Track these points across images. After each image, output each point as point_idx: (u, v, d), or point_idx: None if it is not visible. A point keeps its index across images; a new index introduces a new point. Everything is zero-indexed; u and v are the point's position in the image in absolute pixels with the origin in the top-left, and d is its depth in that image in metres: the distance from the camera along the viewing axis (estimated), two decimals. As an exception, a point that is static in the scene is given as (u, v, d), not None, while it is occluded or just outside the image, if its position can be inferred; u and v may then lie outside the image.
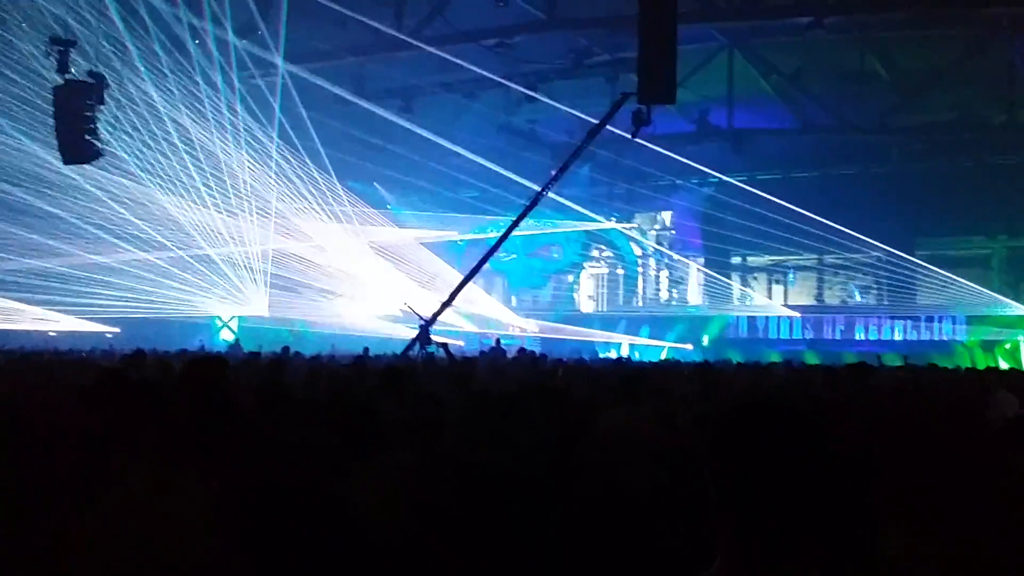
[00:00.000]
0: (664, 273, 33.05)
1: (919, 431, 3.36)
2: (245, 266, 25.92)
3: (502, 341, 22.38)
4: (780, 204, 24.09)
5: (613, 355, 25.53)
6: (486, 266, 18.38)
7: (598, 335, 29.69)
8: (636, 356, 26.28)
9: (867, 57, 20.84)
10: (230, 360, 7.80)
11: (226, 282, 25.61)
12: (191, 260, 24.57)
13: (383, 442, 3.60)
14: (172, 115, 20.00)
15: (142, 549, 2.54)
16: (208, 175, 21.75)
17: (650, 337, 29.87)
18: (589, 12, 18.65)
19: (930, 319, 27.08)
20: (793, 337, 28.72)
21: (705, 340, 29.48)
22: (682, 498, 2.87)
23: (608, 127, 16.21)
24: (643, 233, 32.71)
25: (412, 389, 5.69)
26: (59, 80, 15.47)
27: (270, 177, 22.72)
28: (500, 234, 17.54)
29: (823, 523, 1.71)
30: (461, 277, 17.67)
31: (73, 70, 15.48)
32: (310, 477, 3.24)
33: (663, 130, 18.96)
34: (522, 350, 19.61)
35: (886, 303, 28.09)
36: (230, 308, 27.69)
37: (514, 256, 31.41)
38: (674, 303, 32.34)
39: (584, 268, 33.62)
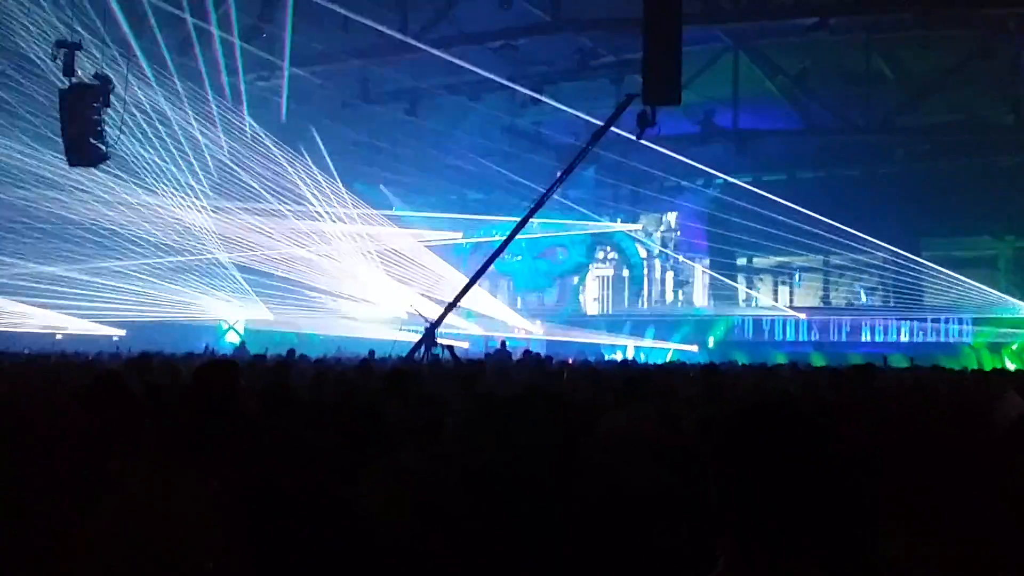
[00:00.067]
0: (669, 275, 33.04)
1: (923, 432, 3.36)
2: (250, 269, 25.99)
3: (507, 343, 22.40)
4: (785, 205, 24.07)
5: (618, 357, 25.52)
6: (491, 268, 18.38)
7: (603, 337, 29.69)
8: (642, 358, 26.27)
9: (872, 58, 20.78)
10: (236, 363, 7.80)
11: (231, 285, 25.67)
12: (197, 263, 24.64)
13: (388, 444, 3.60)
14: (177, 118, 20.04)
15: (143, 549, 2.55)
16: (213, 178, 21.79)
17: (656, 339, 29.86)
18: (594, 14, 18.63)
19: (936, 320, 27.03)
20: (799, 339, 28.69)
21: (711, 342, 29.47)
22: (685, 499, 2.87)
23: (613, 129, 16.21)
24: (648, 235, 32.70)
25: (417, 392, 5.69)
26: (65, 83, 15.52)
27: (275, 180, 22.75)
28: (505, 236, 17.54)
29: (825, 524, 1.71)
30: (466, 279, 17.68)
31: (79, 73, 15.52)
32: (315, 478, 3.24)
33: (668, 131, 18.84)
34: (527, 352, 19.61)
35: (892, 304, 28.05)
36: (235, 311, 27.75)
37: (519, 258, 31.43)
38: (680, 305, 32.31)
39: (589, 270, 33.62)
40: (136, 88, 18.10)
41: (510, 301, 33.10)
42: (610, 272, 33.58)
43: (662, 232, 32.99)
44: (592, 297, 33.94)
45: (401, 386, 5.85)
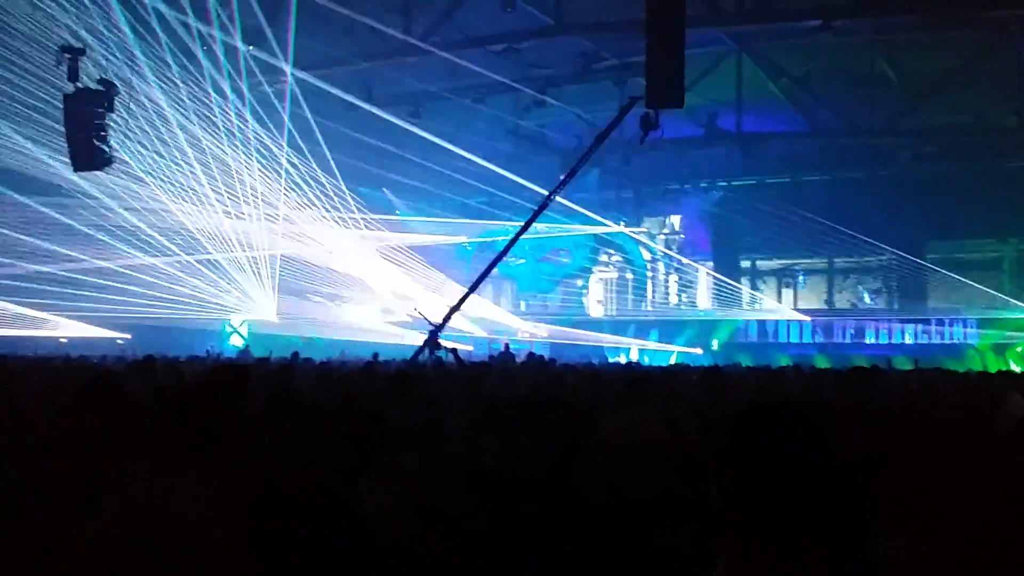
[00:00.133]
0: (673, 277, 33.01)
1: (925, 434, 3.37)
2: (255, 271, 26.01)
3: (511, 346, 22.39)
4: (789, 208, 24.07)
5: (622, 359, 25.52)
6: (495, 271, 18.38)
7: (607, 339, 29.67)
8: (646, 360, 26.26)
9: (876, 60, 20.80)
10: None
11: (236, 287, 25.69)
12: (201, 266, 24.66)
13: (390, 446, 3.61)
14: (181, 121, 20.08)
15: (142, 550, 2.56)
16: (218, 181, 21.82)
17: (659, 341, 29.84)
18: (597, 16, 18.65)
19: (941, 322, 26.99)
20: (803, 341, 28.66)
21: (715, 344, 29.44)
22: (686, 500, 2.87)
23: (617, 131, 16.22)
24: (652, 237, 32.68)
25: (419, 394, 5.70)
26: (69, 88, 15.57)
27: (279, 183, 22.78)
28: (509, 239, 17.54)
29: (825, 525, 1.71)
30: (470, 282, 17.68)
31: (84, 77, 15.58)
32: (317, 480, 3.25)
33: (672, 134, 18.90)
34: (531, 355, 19.61)
35: (896, 306, 28.03)
36: (240, 313, 27.78)
37: (523, 261, 31.42)
38: (683, 307, 32.29)
39: (593, 272, 33.59)
40: (140, 91, 18.15)
41: (514, 304, 33.10)
42: (614, 275, 33.56)
43: (666, 235, 32.98)
44: (596, 300, 33.93)
45: (404, 388, 5.86)
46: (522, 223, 16.84)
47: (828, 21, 17.46)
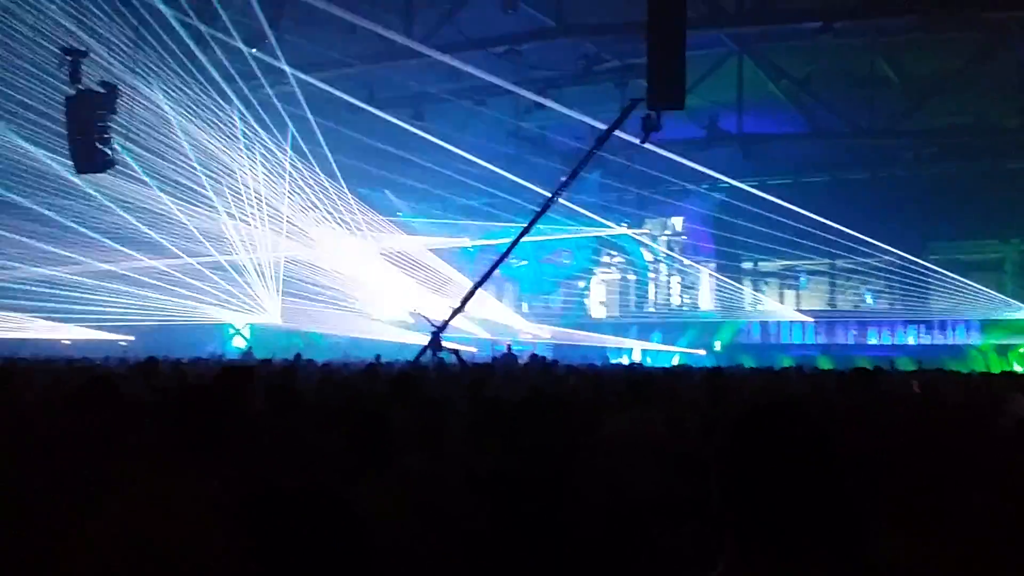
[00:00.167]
0: (675, 278, 33.02)
1: (927, 435, 3.37)
2: (257, 273, 26.02)
3: (513, 347, 22.40)
4: (791, 209, 24.06)
5: (625, 361, 25.52)
6: (497, 272, 18.38)
7: (609, 341, 29.67)
8: (648, 362, 26.26)
9: (877, 61, 20.77)
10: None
11: (238, 289, 25.70)
12: (203, 268, 24.68)
13: (392, 448, 3.61)
14: (183, 124, 20.09)
15: (142, 550, 2.56)
16: (220, 183, 21.84)
17: (662, 343, 29.85)
18: (598, 18, 18.64)
19: (943, 323, 26.98)
20: (806, 342, 28.66)
21: (717, 345, 29.44)
22: (687, 501, 2.88)
23: (618, 133, 16.21)
24: (654, 239, 32.70)
25: (422, 395, 5.70)
26: (71, 90, 15.60)
27: (281, 185, 22.79)
28: (511, 240, 17.54)
29: (828, 526, 1.72)
30: (472, 283, 17.68)
31: (85, 80, 15.61)
32: (319, 481, 3.26)
33: (673, 135, 18.92)
34: (534, 356, 19.62)
35: (899, 307, 28.01)
36: (242, 315, 27.80)
37: (525, 262, 31.42)
38: (686, 308, 32.29)
39: (595, 274, 33.61)
40: (142, 93, 18.16)
41: (516, 305, 33.10)
42: (616, 276, 33.57)
43: (668, 236, 32.98)
44: (598, 301, 33.93)
45: (406, 390, 5.86)
46: (524, 225, 16.83)
47: (829, 22, 17.45)
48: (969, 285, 25.36)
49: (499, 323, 29.92)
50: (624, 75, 19.85)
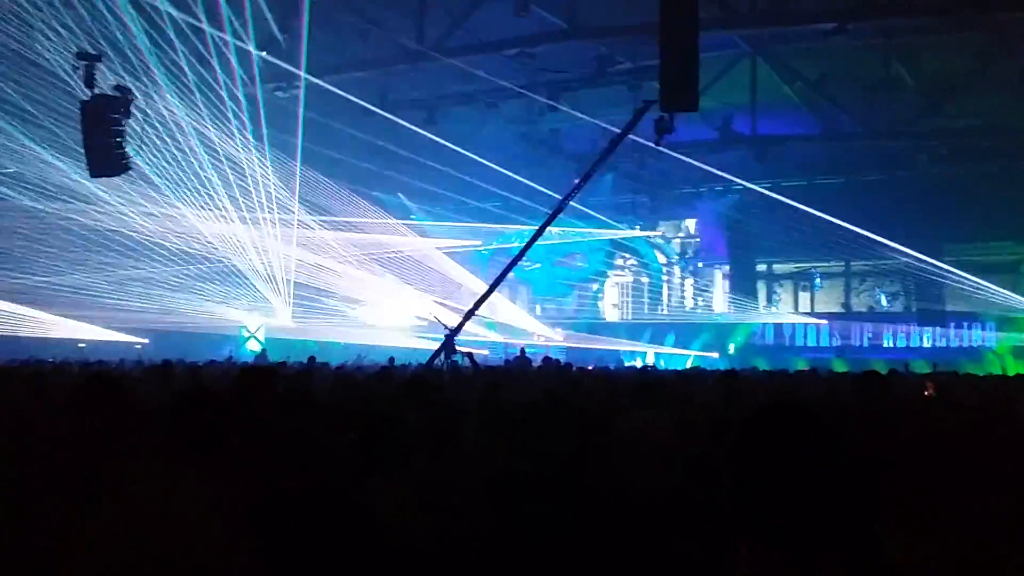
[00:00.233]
0: (689, 281, 32.96)
1: (940, 438, 3.35)
2: (271, 277, 26.12)
3: (527, 350, 22.38)
4: (805, 211, 23.99)
5: (638, 364, 25.48)
6: (510, 275, 18.38)
7: (623, 344, 29.64)
8: (661, 364, 26.21)
9: (891, 62, 20.68)
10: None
11: (252, 293, 25.81)
12: (218, 272, 24.80)
13: (405, 450, 3.62)
14: (197, 128, 20.19)
15: (143, 550, 2.57)
16: (234, 187, 21.94)
17: (675, 345, 29.79)
18: (610, 20, 18.63)
19: (959, 325, 26.83)
20: (820, 345, 28.55)
21: (731, 348, 29.36)
22: (699, 504, 2.87)
23: (631, 135, 16.19)
24: (667, 241, 32.66)
25: (435, 398, 5.71)
26: (86, 94, 15.70)
27: (295, 188, 22.88)
28: (524, 243, 17.54)
29: (841, 529, 1.71)
30: (485, 287, 17.69)
31: (100, 84, 15.70)
32: (333, 483, 3.26)
33: (686, 138, 18.87)
34: (547, 359, 19.59)
35: (914, 309, 27.88)
36: (257, 319, 27.91)
37: (538, 265, 31.43)
38: (699, 311, 32.23)
39: (608, 277, 33.58)
40: (156, 98, 18.26)
41: (529, 308, 33.12)
42: (629, 279, 33.53)
43: (681, 238, 32.94)
44: (611, 304, 33.91)
45: (419, 393, 5.87)
46: (537, 227, 16.82)
47: (843, 24, 17.39)
48: (985, 287, 25.21)
49: (512, 326, 29.93)
50: (637, 77, 19.83)
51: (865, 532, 1.80)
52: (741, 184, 25.70)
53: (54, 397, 6.56)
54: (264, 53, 19.29)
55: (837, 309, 29.66)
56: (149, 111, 17.72)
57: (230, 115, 20.30)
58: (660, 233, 32.27)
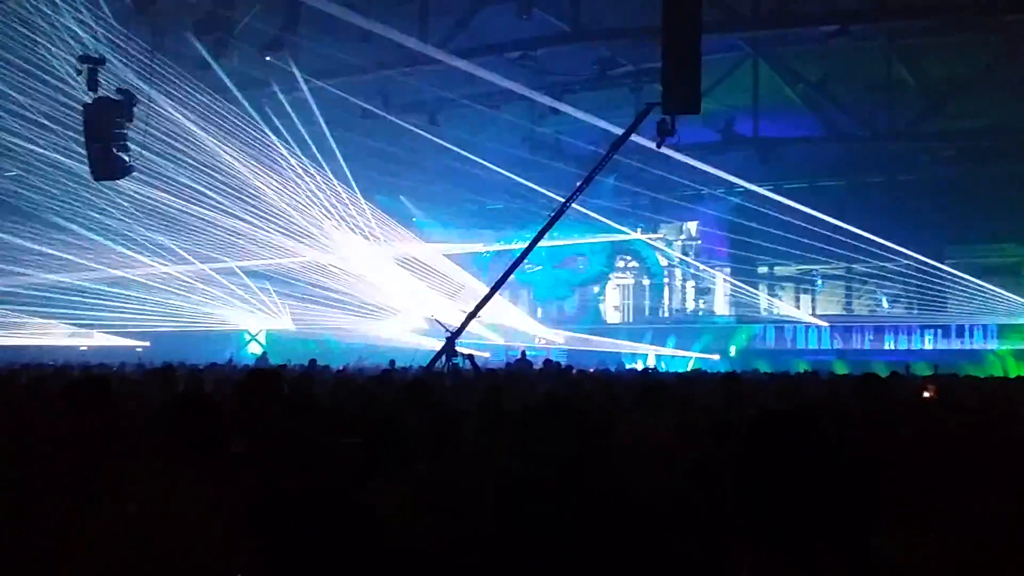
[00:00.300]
0: (690, 283, 32.93)
1: (941, 440, 3.35)
2: (272, 279, 26.14)
3: (528, 352, 22.38)
4: (807, 213, 23.98)
5: (639, 366, 25.46)
6: (512, 278, 18.38)
7: (624, 346, 29.62)
8: (663, 367, 26.19)
9: (894, 64, 20.68)
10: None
11: (253, 296, 25.82)
12: (219, 275, 24.81)
13: (406, 453, 3.62)
14: (198, 129, 20.20)
15: (143, 550, 2.57)
16: (235, 190, 21.93)
17: (677, 348, 29.77)
18: (613, 23, 18.64)
19: (961, 328, 26.79)
20: (822, 347, 28.51)
21: (732, 350, 29.33)
22: (701, 507, 2.87)
23: (633, 137, 16.20)
24: (669, 243, 32.63)
25: (435, 401, 5.71)
26: (89, 98, 15.73)
27: (296, 191, 22.87)
28: (526, 246, 17.54)
29: (842, 531, 1.71)
30: (487, 289, 17.69)
31: (103, 87, 15.73)
32: (333, 485, 3.27)
33: (688, 140, 18.86)
34: (548, 361, 19.59)
35: (916, 312, 27.84)
36: (257, 321, 27.91)
37: (540, 267, 31.43)
38: (701, 313, 32.21)
39: (610, 279, 33.56)
40: (158, 100, 18.27)
41: (530, 310, 33.11)
42: (631, 281, 33.51)
43: (683, 240, 32.91)
44: (613, 306, 33.89)
45: (420, 396, 5.87)
46: (538, 230, 16.82)
47: (845, 26, 17.39)
48: (987, 289, 25.19)
49: (514, 328, 29.91)
50: (639, 79, 19.86)
51: (866, 535, 1.80)
52: (743, 186, 25.69)
53: (55, 400, 6.56)
54: (266, 56, 19.29)
55: (838, 311, 29.63)
56: (151, 113, 17.73)
57: (232, 117, 20.29)
58: (661, 235, 32.24)
